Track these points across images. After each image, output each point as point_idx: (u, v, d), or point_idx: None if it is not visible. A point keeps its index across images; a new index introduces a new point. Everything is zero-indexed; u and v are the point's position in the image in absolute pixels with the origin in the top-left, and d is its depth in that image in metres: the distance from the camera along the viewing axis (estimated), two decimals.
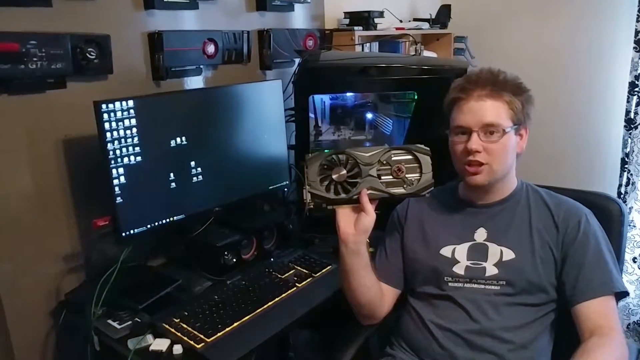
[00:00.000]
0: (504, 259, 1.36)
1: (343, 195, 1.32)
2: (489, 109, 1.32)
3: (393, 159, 1.34)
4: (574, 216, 1.36)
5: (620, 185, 2.71)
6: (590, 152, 2.91)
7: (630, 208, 2.69)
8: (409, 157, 1.35)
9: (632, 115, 2.60)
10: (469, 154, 1.33)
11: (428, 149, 1.35)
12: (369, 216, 1.31)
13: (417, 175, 1.34)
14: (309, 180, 1.32)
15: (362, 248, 1.37)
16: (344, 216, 1.34)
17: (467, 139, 1.34)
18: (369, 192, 1.31)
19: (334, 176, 1.32)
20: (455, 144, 1.38)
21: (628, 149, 2.64)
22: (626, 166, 2.66)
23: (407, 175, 1.33)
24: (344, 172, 1.32)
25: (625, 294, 1.32)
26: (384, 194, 1.32)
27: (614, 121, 2.77)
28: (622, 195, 2.69)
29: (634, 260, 2.74)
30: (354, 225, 1.33)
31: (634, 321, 2.77)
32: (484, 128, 1.32)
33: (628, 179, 2.67)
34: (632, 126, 2.61)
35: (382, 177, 1.33)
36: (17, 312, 1.55)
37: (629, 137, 2.63)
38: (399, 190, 1.34)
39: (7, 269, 1.52)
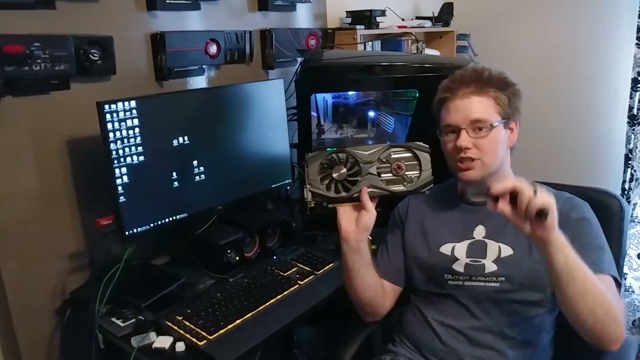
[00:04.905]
0: (502, 256, 1.37)
1: (344, 194, 1.33)
2: (475, 105, 1.34)
3: (393, 156, 1.35)
4: (568, 206, 1.36)
5: (624, 182, 2.70)
6: (594, 149, 2.90)
7: (635, 204, 2.68)
8: (409, 154, 1.36)
9: (635, 111, 2.60)
10: (459, 151, 1.35)
11: (427, 146, 1.36)
12: (370, 214, 1.32)
13: (417, 172, 1.35)
14: (310, 179, 1.33)
15: (364, 246, 1.38)
16: (345, 214, 1.35)
17: (456, 137, 1.35)
18: (370, 190, 1.32)
19: (334, 175, 1.33)
20: (446, 143, 1.39)
21: (631, 145, 2.64)
22: (630, 162, 2.65)
23: (406, 173, 1.34)
24: (344, 170, 1.33)
25: (617, 282, 1.30)
26: (384, 191, 1.33)
27: (617, 117, 2.76)
28: (626, 192, 2.69)
29: (639, 256, 2.74)
30: (355, 223, 1.34)
31: (639, 317, 2.77)
32: (472, 125, 1.33)
33: (632, 175, 2.66)
34: (635, 122, 2.60)
35: (382, 175, 1.34)
36: (23, 310, 1.57)
37: (632, 133, 2.62)
38: (399, 188, 1.35)
39: (12, 267, 1.54)
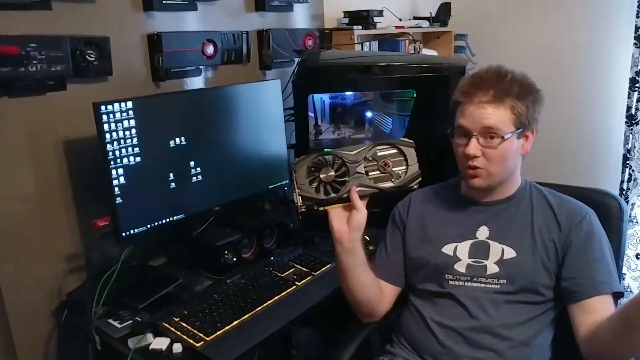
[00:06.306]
0: (505, 258, 1.36)
1: (333, 195, 1.33)
2: (489, 115, 1.30)
3: (379, 154, 1.35)
4: (577, 215, 1.36)
5: (622, 182, 2.70)
6: (592, 149, 2.91)
7: (633, 204, 2.69)
8: (394, 151, 1.36)
9: (633, 111, 2.60)
10: (468, 158, 1.33)
11: (412, 141, 1.36)
12: (361, 213, 1.32)
13: (404, 167, 1.35)
14: (299, 183, 1.33)
15: (357, 246, 1.37)
16: (337, 215, 1.34)
17: (467, 141, 1.33)
18: (359, 189, 1.32)
19: (322, 176, 1.33)
20: (457, 145, 1.37)
21: (629, 145, 2.64)
22: (628, 162, 2.65)
23: (394, 169, 1.34)
24: (332, 172, 1.33)
25: (621, 294, 1.32)
26: (374, 189, 1.33)
27: (615, 117, 2.76)
28: (624, 192, 2.69)
29: (637, 256, 2.74)
30: (347, 223, 1.34)
31: None
32: (483, 132, 1.31)
33: (630, 175, 2.67)
34: (633, 122, 2.61)
35: (370, 173, 1.34)
36: (20, 311, 1.57)
37: (631, 133, 2.63)
38: (388, 184, 1.35)
39: (9, 269, 1.53)
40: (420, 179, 1.35)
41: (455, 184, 1.52)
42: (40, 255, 1.60)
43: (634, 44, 2.56)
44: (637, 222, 2.72)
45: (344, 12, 2.55)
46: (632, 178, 2.66)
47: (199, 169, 1.74)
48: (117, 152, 1.53)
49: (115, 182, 1.53)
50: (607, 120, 2.83)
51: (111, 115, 1.50)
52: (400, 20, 2.80)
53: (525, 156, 1.40)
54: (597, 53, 2.80)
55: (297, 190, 1.33)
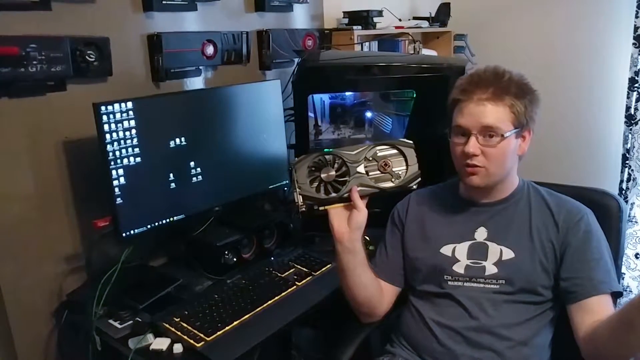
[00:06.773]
0: (503, 258, 1.36)
1: (334, 195, 1.33)
2: (488, 113, 1.30)
3: (379, 154, 1.36)
4: (575, 216, 1.36)
5: (621, 182, 2.71)
6: (591, 149, 2.91)
7: (632, 204, 2.69)
8: (394, 151, 1.37)
9: (632, 111, 2.61)
10: (467, 156, 1.33)
11: (411, 142, 1.37)
12: (361, 212, 1.32)
13: (404, 167, 1.36)
14: (299, 183, 1.34)
15: (358, 245, 1.38)
16: (337, 215, 1.35)
17: (465, 140, 1.33)
18: (359, 188, 1.33)
19: (322, 176, 1.34)
20: (455, 145, 1.37)
21: (629, 145, 2.64)
22: (627, 162, 2.66)
23: (394, 169, 1.35)
24: (333, 172, 1.34)
25: (620, 294, 1.33)
26: (374, 189, 1.34)
27: (615, 117, 2.77)
28: (623, 192, 2.69)
29: (637, 256, 2.74)
30: (348, 223, 1.34)
31: None
32: (482, 131, 1.31)
33: (629, 174, 2.67)
34: (633, 122, 2.61)
35: (370, 173, 1.35)
36: (20, 312, 1.57)
37: (630, 133, 2.63)
38: (388, 184, 1.35)
39: (9, 269, 1.53)
40: (419, 179, 1.36)
41: (453, 184, 1.52)
42: (40, 255, 1.60)
43: (633, 44, 2.56)
44: (637, 222, 2.72)
45: (343, 12, 2.54)
46: (632, 178, 2.67)
47: (199, 169, 1.74)
48: (117, 153, 1.53)
49: (115, 182, 1.53)
50: (607, 120, 2.83)
51: (111, 116, 1.50)
52: (399, 20, 2.80)
53: (522, 157, 1.41)
54: (596, 53, 2.80)
55: (297, 190, 1.33)
